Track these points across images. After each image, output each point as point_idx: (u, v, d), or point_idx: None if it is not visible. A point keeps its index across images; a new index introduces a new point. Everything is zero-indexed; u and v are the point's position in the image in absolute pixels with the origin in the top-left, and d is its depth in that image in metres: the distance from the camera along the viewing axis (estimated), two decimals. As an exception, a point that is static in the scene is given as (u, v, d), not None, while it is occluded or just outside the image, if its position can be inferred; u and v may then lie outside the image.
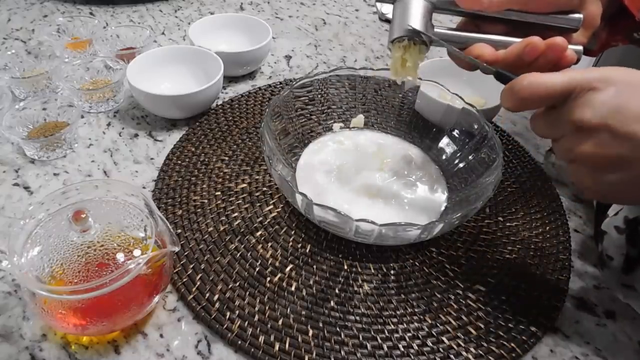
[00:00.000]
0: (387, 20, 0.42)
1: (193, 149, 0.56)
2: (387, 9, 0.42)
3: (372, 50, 0.79)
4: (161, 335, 0.40)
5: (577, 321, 0.43)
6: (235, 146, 0.57)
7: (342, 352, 0.39)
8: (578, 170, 0.35)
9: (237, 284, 0.43)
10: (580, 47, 0.41)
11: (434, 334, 0.41)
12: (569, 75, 0.33)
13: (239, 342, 0.39)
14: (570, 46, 0.38)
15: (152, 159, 0.56)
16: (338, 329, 0.40)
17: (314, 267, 0.45)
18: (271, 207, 0.50)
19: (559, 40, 0.37)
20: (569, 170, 0.36)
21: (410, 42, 0.41)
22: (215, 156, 0.55)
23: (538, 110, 0.37)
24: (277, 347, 0.39)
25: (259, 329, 0.40)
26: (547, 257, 0.47)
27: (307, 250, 0.46)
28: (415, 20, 0.40)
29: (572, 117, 0.33)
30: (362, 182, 0.52)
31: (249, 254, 0.45)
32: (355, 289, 0.43)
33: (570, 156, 0.35)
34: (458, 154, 0.53)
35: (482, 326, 0.41)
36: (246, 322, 0.40)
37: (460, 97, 0.52)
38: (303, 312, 0.41)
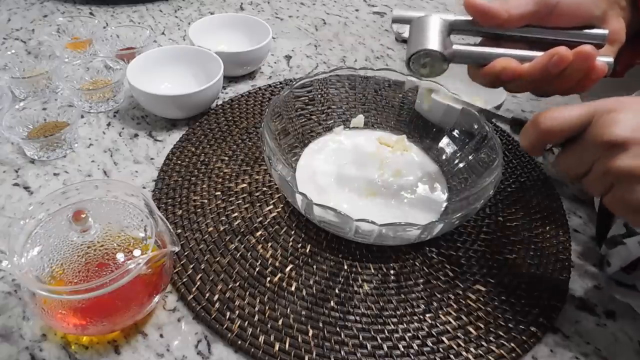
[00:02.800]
0: (405, 41, 0.41)
1: (193, 149, 0.56)
2: (403, 29, 0.41)
3: (372, 50, 0.79)
4: (161, 335, 0.40)
5: (577, 321, 0.43)
6: (235, 146, 0.57)
7: (342, 352, 0.39)
8: (620, 193, 0.33)
9: (237, 284, 0.43)
10: (611, 59, 0.39)
11: (434, 334, 0.41)
12: (586, 104, 0.33)
13: (239, 342, 0.39)
14: (599, 58, 0.37)
15: (152, 159, 0.56)
16: (338, 329, 0.40)
17: (314, 267, 0.45)
18: (271, 207, 0.50)
19: (588, 48, 0.36)
20: (609, 202, 0.34)
21: (427, 60, 0.40)
22: (215, 156, 0.55)
23: (559, 152, 0.36)
24: (277, 347, 0.39)
25: (259, 329, 0.40)
26: (547, 257, 0.47)
27: (307, 250, 0.46)
28: (433, 38, 0.39)
29: (601, 137, 0.32)
30: (362, 182, 0.52)
31: (249, 254, 0.45)
32: (355, 289, 0.43)
33: (607, 180, 0.33)
34: (458, 154, 0.53)
35: (482, 326, 0.41)
36: (246, 322, 0.40)
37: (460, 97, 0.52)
38: (303, 312, 0.41)
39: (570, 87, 0.40)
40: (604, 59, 0.38)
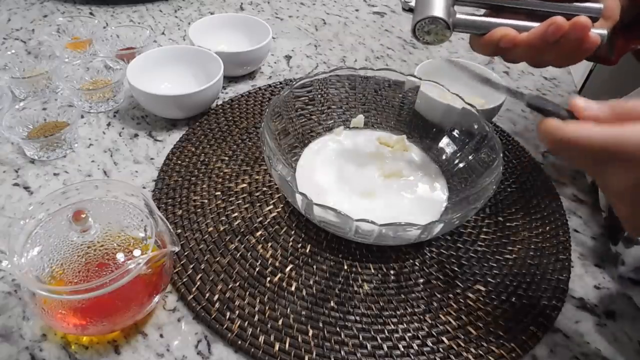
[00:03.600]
0: (411, 10, 0.42)
1: (193, 149, 0.56)
2: None
3: (372, 50, 0.79)
4: (161, 335, 0.40)
5: (577, 321, 0.43)
6: (235, 146, 0.57)
7: (342, 352, 0.39)
8: None
9: (237, 284, 0.43)
10: (605, 31, 0.40)
11: (434, 334, 0.41)
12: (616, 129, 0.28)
13: (239, 342, 0.39)
14: (593, 30, 0.38)
15: (152, 159, 0.56)
16: (338, 329, 0.40)
17: (314, 267, 0.45)
18: (271, 207, 0.50)
19: (583, 19, 0.37)
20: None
21: (432, 27, 0.41)
22: (215, 156, 0.55)
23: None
24: (277, 347, 0.39)
25: (259, 329, 0.40)
26: (547, 257, 0.47)
27: (307, 250, 0.46)
28: (439, 6, 0.40)
29: None
30: (362, 182, 0.51)
31: (249, 254, 0.45)
32: (355, 289, 0.43)
33: None
34: (458, 154, 0.53)
35: (482, 326, 0.41)
36: (246, 322, 0.40)
37: (460, 97, 0.52)
38: (303, 312, 0.41)
39: (564, 57, 0.41)
40: (598, 31, 0.39)
